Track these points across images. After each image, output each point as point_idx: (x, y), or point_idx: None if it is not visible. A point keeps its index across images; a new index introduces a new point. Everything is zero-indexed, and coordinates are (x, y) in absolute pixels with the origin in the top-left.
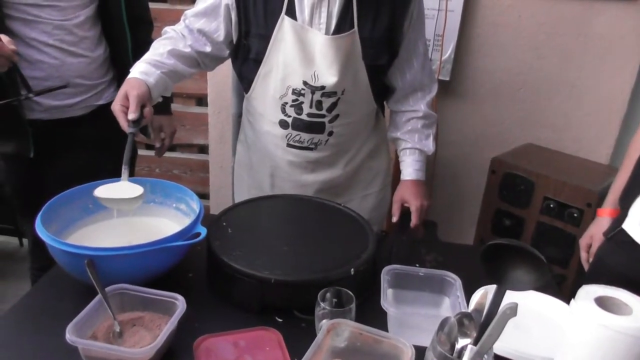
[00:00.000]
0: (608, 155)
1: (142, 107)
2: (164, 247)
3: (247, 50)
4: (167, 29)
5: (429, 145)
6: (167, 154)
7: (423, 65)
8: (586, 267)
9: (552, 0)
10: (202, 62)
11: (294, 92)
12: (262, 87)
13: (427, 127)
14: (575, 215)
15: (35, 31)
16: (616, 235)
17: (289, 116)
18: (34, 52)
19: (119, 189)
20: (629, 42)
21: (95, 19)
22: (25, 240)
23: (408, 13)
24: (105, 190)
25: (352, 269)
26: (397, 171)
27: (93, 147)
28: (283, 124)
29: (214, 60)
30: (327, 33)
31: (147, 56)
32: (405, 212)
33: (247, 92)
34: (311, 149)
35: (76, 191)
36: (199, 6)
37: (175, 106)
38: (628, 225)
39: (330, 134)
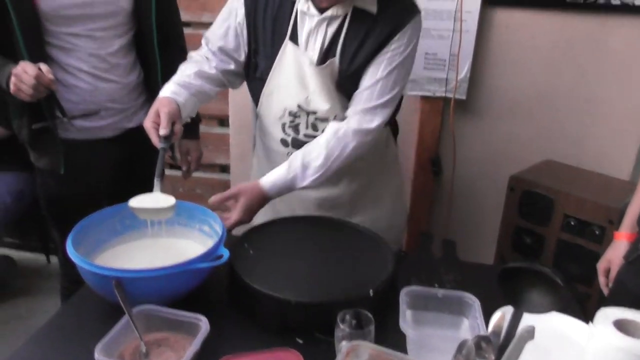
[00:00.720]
0: (629, 171)
1: (172, 124)
2: (188, 268)
3: (254, 68)
4: (192, 53)
5: (305, 177)
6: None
7: (373, 85)
8: (605, 291)
9: (565, 18)
10: (227, 81)
11: (290, 113)
12: (267, 106)
13: (321, 163)
14: (597, 232)
15: (72, 58)
16: (637, 258)
17: (289, 135)
18: (70, 78)
19: (152, 199)
20: None
21: (129, 47)
22: (52, 257)
23: (386, 47)
24: (138, 201)
25: (371, 290)
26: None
27: (122, 168)
28: (284, 143)
29: (239, 76)
30: (317, 61)
31: (176, 78)
32: (426, 233)
33: (256, 108)
34: None
35: (106, 212)
36: (217, 27)
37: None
38: None
39: None
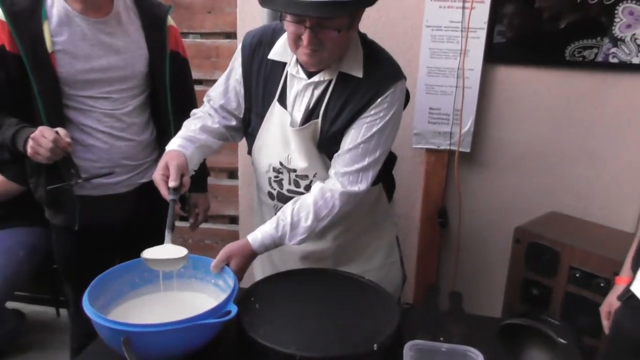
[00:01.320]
0: (633, 223)
1: (181, 176)
2: (196, 324)
3: (247, 124)
4: (195, 110)
5: (295, 237)
6: (200, 225)
7: (354, 148)
8: (607, 333)
9: (565, 75)
10: (229, 135)
11: (274, 169)
12: (257, 161)
13: (310, 221)
14: (602, 285)
15: (88, 119)
16: (629, 299)
17: (274, 189)
18: (87, 137)
19: (164, 251)
20: None
21: (144, 107)
22: (62, 310)
23: (367, 110)
24: (150, 253)
25: (376, 345)
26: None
27: (135, 222)
28: (271, 196)
29: (240, 131)
30: (300, 122)
31: (182, 133)
32: (432, 285)
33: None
34: None
35: (125, 266)
36: (218, 86)
37: (208, 179)
38: (635, 287)
39: None
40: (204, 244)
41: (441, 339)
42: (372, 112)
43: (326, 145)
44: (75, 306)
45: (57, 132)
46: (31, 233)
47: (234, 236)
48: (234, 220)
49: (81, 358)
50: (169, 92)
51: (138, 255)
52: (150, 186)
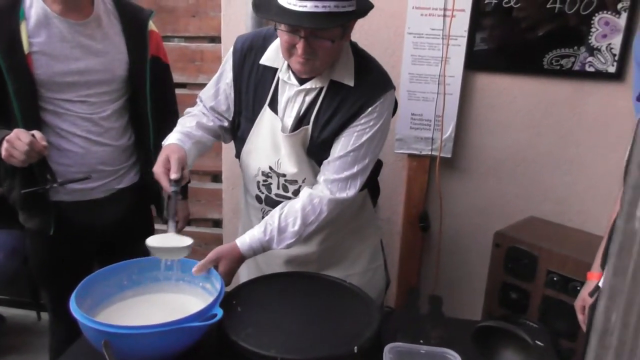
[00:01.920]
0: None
1: (181, 169)
2: (180, 327)
3: (237, 128)
4: (189, 109)
5: (282, 241)
6: (182, 230)
7: (343, 157)
8: (584, 328)
9: (545, 83)
10: (222, 135)
11: (263, 173)
12: (245, 164)
13: (298, 221)
14: (579, 288)
15: (65, 123)
16: (600, 296)
17: (262, 193)
18: (63, 142)
19: (168, 239)
20: (621, 120)
21: (122, 112)
22: (43, 314)
23: (357, 119)
24: (156, 240)
25: (356, 347)
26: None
27: (112, 228)
28: (258, 199)
29: (230, 133)
30: (290, 128)
31: (179, 129)
32: (413, 289)
33: (239, 162)
34: None
35: (111, 269)
36: (209, 89)
37: (191, 182)
38: (602, 284)
39: None
40: None
41: (421, 341)
42: (363, 120)
43: (315, 152)
44: (53, 313)
45: (33, 135)
46: (10, 235)
47: (218, 239)
48: (217, 223)
49: (64, 358)
50: (149, 97)
51: (116, 260)
52: (130, 191)
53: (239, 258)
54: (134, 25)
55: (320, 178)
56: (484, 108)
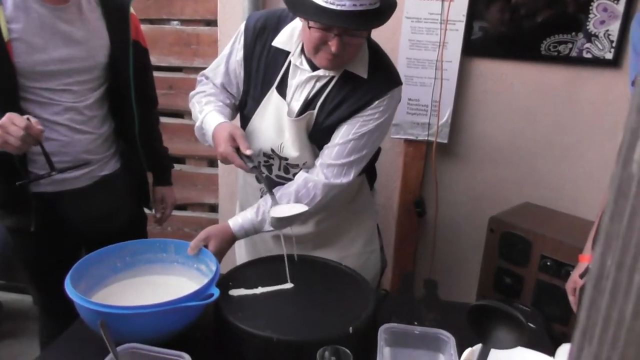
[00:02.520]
0: None
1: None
2: (177, 307)
3: (243, 106)
4: (203, 87)
5: (268, 226)
6: (179, 213)
7: (342, 144)
8: (575, 309)
9: (542, 69)
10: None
11: (265, 154)
12: (248, 142)
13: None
14: (572, 272)
15: (47, 112)
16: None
17: (263, 173)
18: (46, 131)
19: (285, 210)
20: (617, 107)
21: (103, 99)
22: None
23: (363, 111)
24: (278, 211)
25: (351, 328)
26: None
27: (97, 220)
28: (257, 179)
29: (235, 110)
30: (297, 113)
31: (211, 107)
32: (408, 273)
33: None
34: None
35: (105, 251)
36: (218, 66)
37: (187, 167)
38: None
39: None
40: (183, 232)
41: (415, 323)
42: (368, 112)
43: (317, 137)
44: (43, 308)
45: (27, 119)
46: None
47: (214, 224)
48: (213, 208)
49: (56, 343)
50: (132, 83)
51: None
52: (111, 179)
53: (230, 238)
54: (115, 9)
55: (317, 162)
56: (481, 94)
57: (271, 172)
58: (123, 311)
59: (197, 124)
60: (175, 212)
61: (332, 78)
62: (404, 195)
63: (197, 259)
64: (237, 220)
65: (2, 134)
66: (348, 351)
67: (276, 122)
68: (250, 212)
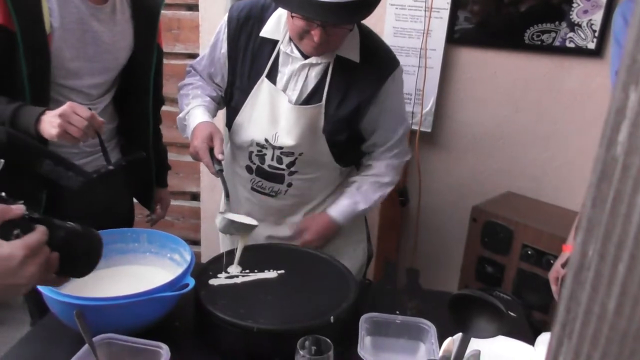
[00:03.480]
0: None
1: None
2: (152, 297)
3: (230, 98)
4: (191, 79)
5: (368, 201)
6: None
7: (386, 132)
8: (557, 298)
9: (525, 58)
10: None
11: (257, 144)
12: (236, 133)
13: (376, 187)
14: (552, 262)
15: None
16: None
17: (254, 164)
18: None
19: (235, 217)
20: (599, 97)
21: (112, 100)
22: None
23: (376, 99)
24: (230, 215)
25: (332, 317)
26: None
27: (94, 212)
28: (248, 169)
29: (221, 104)
30: (296, 102)
31: (198, 102)
32: (389, 262)
33: (229, 131)
34: (272, 197)
35: None
36: (204, 58)
37: (169, 155)
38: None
39: (290, 185)
40: (165, 220)
41: (397, 312)
42: (380, 102)
43: (331, 130)
44: (27, 295)
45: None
46: None
47: (196, 213)
48: (195, 197)
49: (32, 332)
50: (151, 87)
51: None
52: (114, 172)
53: (329, 223)
54: (146, 11)
55: (375, 163)
56: (464, 82)
57: (263, 162)
58: (97, 303)
59: (181, 115)
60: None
61: (327, 66)
62: None
63: (171, 248)
64: (333, 207)
65: (62, 122)
66: (329, 341)
67: (270, 111)
68: (345, 198)
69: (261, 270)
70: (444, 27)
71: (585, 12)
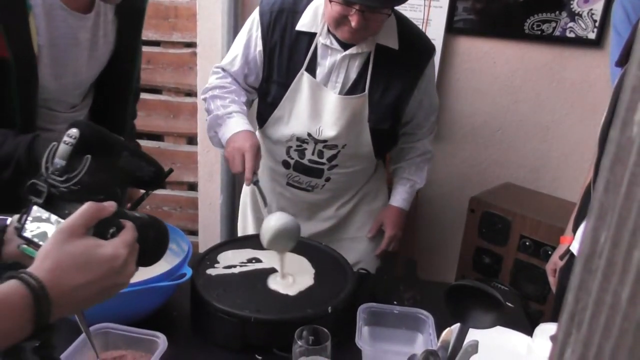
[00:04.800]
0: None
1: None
2: (150, 287)
3: (265, 93)
4: (220, 81)
5: (422, 178)
6: (158, 191)
7: (428, 114)
8: (554, 290)
9: (524, 48)
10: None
11: (298, 139)
12: (273, 128)
13: (423, 162)
14: (550, 252)
15: (44, 121)
16: (570, 258)
17: (292, 158)
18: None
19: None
20: (599, 88)
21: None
22: None
23: (418, 84)
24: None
25: (330, 308)
26: None
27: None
28: (285, 164)
29: (248, 105)
30: (340, 93)
31: (239, 108)
32: (387, 253)
33: (260, 127)
34: (308, 191)
35: None
36: (237, 58)
37: (166, 145)
38: (574, 247)
39: (328, 179)
40: (162, 210)
41: (394, 302)
42: (422, 87)
43: (377, 119)
44: None
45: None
46: None
47: (193, 203)
48: (192, 187)
49: None
50: (134, 84)
51: None
52: None
53: (398, 212)
54: (129, 9)
55: (420, 142)
56: (464, 72)
57: (303, 156)
58: None
59: (218, 112)
60: (154, 191)
61: (368, 56)
62: (386, 175)
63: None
64: (395, 197)
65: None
66: (326, 331)
67: (312, 105)
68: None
69: (259, 261)
70: (443, 17)
71: (586, 1)
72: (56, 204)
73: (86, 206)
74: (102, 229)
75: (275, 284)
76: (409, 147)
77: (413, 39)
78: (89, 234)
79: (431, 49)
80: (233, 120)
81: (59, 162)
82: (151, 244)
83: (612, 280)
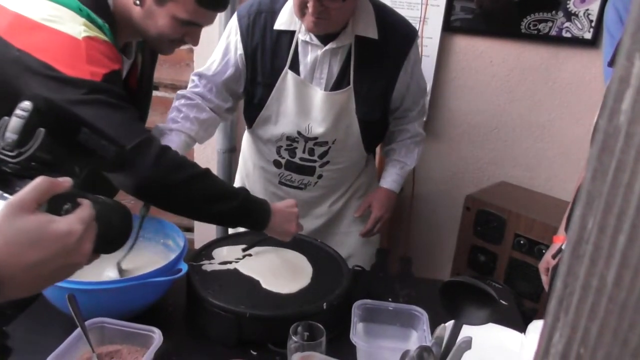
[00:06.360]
0: None
1: None
2: (145, 282)
3: (251, 95)
4: (191, 90)
5: (412, 160)
6: None
7: (416, 97)
8: (547, 288)
9: (521, 48)
10: (221, 117)
11: (288, 138)
12: (262, 129)
13: (414, 144)
14: (544, 251)
15: None
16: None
17: (283, 158)
18: None
19: None
20: (594, 88)
21: None
22: None
23: (404, 68)
24: None
25: (325, 304)
26: None
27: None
28: (277, 164)
29: (231, 112)
30: (325, 89)
31: (182, 125)
32: (381, 249)
33: (249, 127)
34: (301, 189)
35: None
36: (215, 64)
37: None
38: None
39: (320, 177)
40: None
41: (389, 299)
42: (408, 70)
43: (365, 110)
44: None
45: None
46: None
47: None
48: None
49: (24, 316)
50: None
51: None
52: None
53: (387, 193)
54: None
55: (409, 126)
56: (460, 71)
57: (294, 155)
58: (89, 287)
59: (161, 125)
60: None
61: (349, 48)
62: (381, 172)
63: (164, 234)
64: (385, 179)
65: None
66: (321, 327)
67: (299, 103)
68: (391, 168)
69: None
70: (440, 15)
71: (582, 1)
72: (8, 181)
73: (38, 180)
74: (56, 205)
75: (268, 285)
76: (399, 130)
77: (393, 27)
78: (42, 210)
79: (413, 32)
80: (166, 138)
81: (10, 136)
82: (114, 230)
83: (598, 264)
